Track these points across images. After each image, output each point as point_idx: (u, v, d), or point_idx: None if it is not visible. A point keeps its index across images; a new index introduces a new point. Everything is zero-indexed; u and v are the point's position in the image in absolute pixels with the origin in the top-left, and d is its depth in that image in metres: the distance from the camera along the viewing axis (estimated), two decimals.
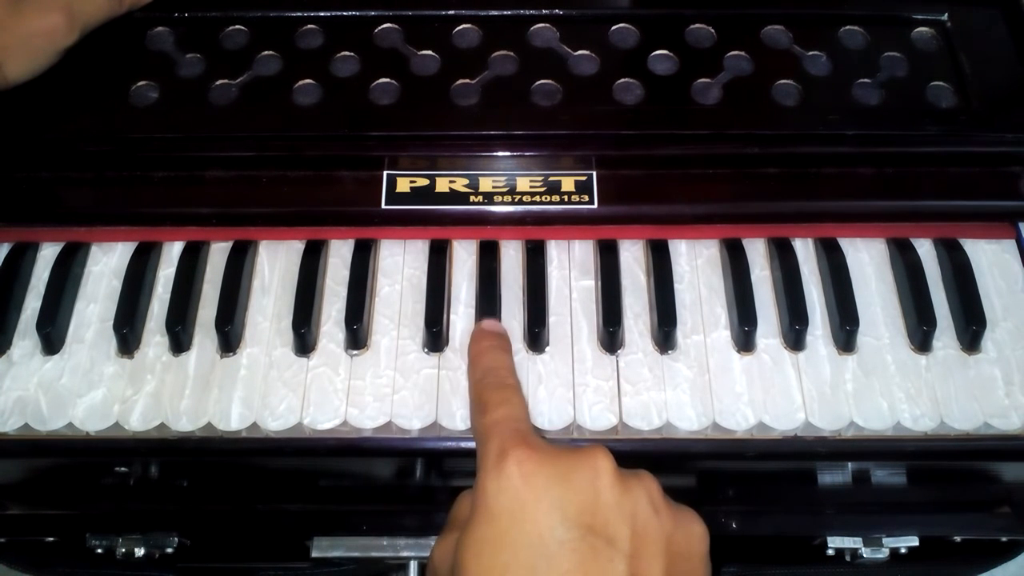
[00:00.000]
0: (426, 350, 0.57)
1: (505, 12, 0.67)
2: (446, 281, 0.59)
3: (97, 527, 0.65)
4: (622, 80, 0.63)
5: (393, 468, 0.61)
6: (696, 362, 0.57)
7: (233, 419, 0.55)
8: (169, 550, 0.64)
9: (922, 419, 0.55)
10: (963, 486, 0.63)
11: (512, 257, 0.61)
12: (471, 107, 0.62)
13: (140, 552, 0.64)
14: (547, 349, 0.57)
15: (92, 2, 0.63)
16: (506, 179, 0.61)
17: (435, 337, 0.57)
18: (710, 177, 0.61)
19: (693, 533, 0.44)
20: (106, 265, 0.61)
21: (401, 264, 0.61)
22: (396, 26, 0.66)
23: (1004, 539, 0.67)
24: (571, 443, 0.55)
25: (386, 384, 0.56)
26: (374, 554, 0.63)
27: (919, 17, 0.67)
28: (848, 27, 0.66)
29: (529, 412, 0.47)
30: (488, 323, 0.56)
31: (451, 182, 0.61)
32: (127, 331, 0.57)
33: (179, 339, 0.57)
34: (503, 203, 0.60)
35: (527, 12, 0.67)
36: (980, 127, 0.61)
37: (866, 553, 0.63)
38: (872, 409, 0.55)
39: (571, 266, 0.61)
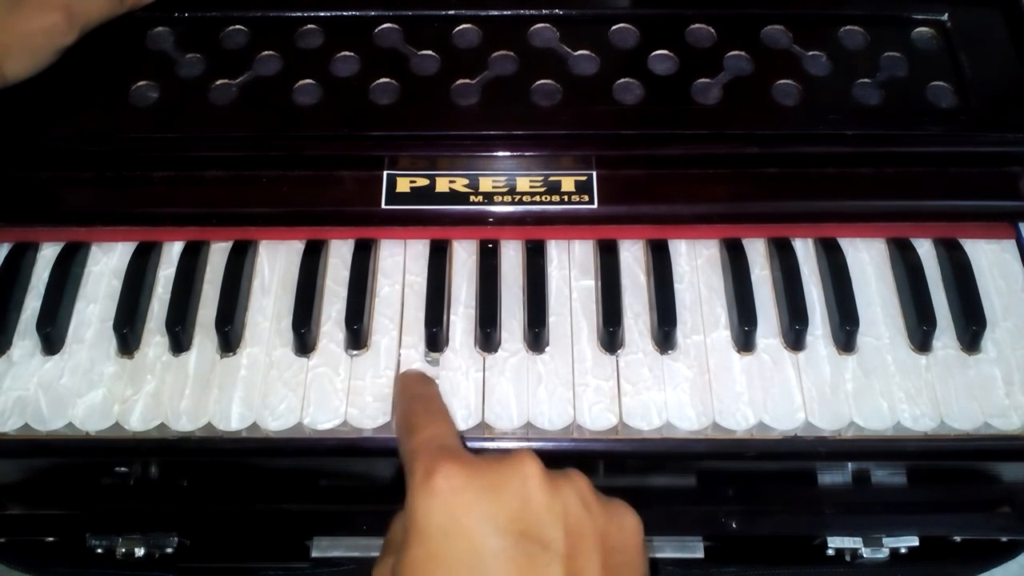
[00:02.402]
0: (426, 350, 0.57)
1: (505, 12, 0.67)
2: (446, 281, 0.59)
3: (97, 527, 0.64)
4: (622, 80, 0.63)
5: (393, 468, 0.61)
6: (696, 362, 0.57)
7: (233, 419, 0.55)
8: (169, 550, 0.64)
9: (922, 419, 0.55)
10: (963, 486, 0.63)
11: (512, 257, 0.61)
12: (471, 107, 0.62)
13: (140, 552, 0.64)
14: (547, 349, 0.57)
15: (92, 1, 0.63)
16: (506, 179, 0.61)
17: (435, 337, 0.57)
18: (710, 177, 0.61)
19: (627, 525, 0.44)
20: (106, 265, 0.61)
21: (401, 264, 0.61)
22: (396, 26, 0.66)
23: (1004, 539, 0.67)
24: (571, 443, 0.55)
25: (386, 384, 0.56)
26: (374, 554, 0.62)
27: (919, 17, 0.67)
28: (848, 27, 0.66)
29: (457, 432, 0.47)
30: (411, 371, 0.56)
31: (451, 182, 0.61)
32: (127, 331, 0.57)
33: (179, 339, 0.57)
34: (503, 203, 0.60)
35: (527, 12, 0.67)
36: (980, 127, 0.61)
37: (866, 553, 0.63)
38: (872, 409, 0.55)
39: (571, 266, 0.61)
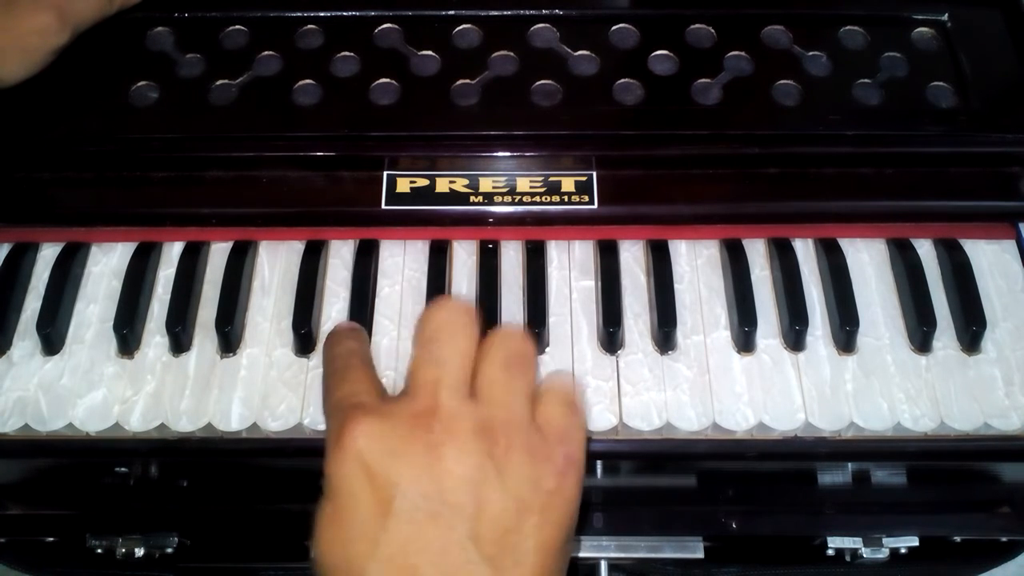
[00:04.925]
0: None
1: (505, 12, 0.67)
2: (446, 281, 0.59)
3: (97, 527, 0.65)
4: (622, 80, 0.63)
5: None
6: (696, 362, 0.57)
7: (233, 419, 0.55)
8: (169, 550, 0.64)
9: (922, 419, 0.55)
10: (963, 486, 0.63)
11: (512, 257, 0.61)
12: (471, 107, 0.62)
13: (140, 552, 0.64)
14: (547, 349, 0.57)
15: (83, 1, 0.63)
16: (506, 179, 0.61)
17: None
18: (710, 177, 0.61)
19: (560, 493, 0.42)
20: (106, 265, 0.61)
21: (401, 264, 0.61)
22: (396, 26, 0.66)
23: (1004, 539, 0.67)
24: None
25: (386, 384, 0.56)
26: None
27: (919, 17, 0.67)
28: (848, 27, 0.66)
29: (376, 384, 0.45)
30: (340, 324, 0.53)
31: (451, 182, 0.61)
32: (127, 331, 0.57)
33: (179, 339, 0.57)
34: (503, 203, 0.60)
35: (527, 12, 0.67)
36: (980, 127, 0.61)
37: (866, 553, 0.64)
38: (872, 409, 0.55)
39: (571, 266, 0.61)
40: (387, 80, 0.63)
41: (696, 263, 0.61)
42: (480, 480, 0.40)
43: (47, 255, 0.61)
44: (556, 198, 0.60)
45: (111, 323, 0.58)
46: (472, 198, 0.60)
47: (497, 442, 0.40)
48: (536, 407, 0.43)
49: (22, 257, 0.61)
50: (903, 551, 0.64)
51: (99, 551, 0.64)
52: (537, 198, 0.60)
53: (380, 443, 0.40)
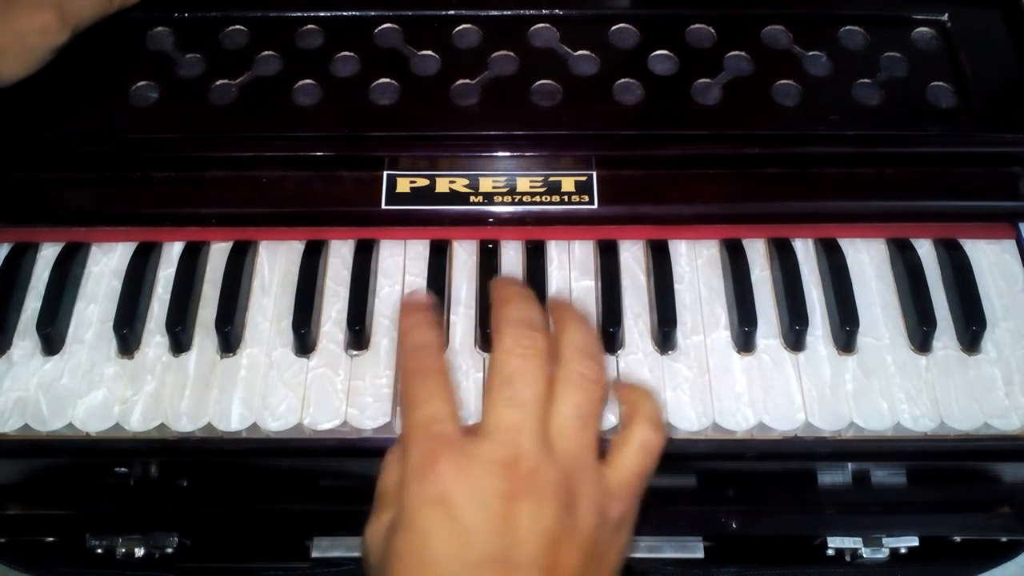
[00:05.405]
0: None
1: (505, 12, 0.67)
2: (446, 281, 0.59)
3: (97, 527, 0.65)
4: (622, 80, 0.63)
5: None
6: (696, 362, 0.57)
7: (233, 419, 0.55)
8: (169, 550, 0.64)
9: (922, 419, 0.55)
10: (963, 486, 0.63)
11: (512, 257, 0.61)
12: (471, 107, 0.62)
13: (140, 552, 0.64)
14: None
15: (83, 0, 0.63)
16: (506, 179, 0.61)
17: None
18: (710, 177, 0.61)
19: (615, 543, 0.44)
20: (106, 265, 0.61)
21: (401, 264, 0.61)
22: (396, 26, 0.66)
23: (1004, 539, 0.67)
24: None
25: (386, 384, 0.56)
26: None
27: (919, 17, 0.67)
28: (848, 27, 0.66)
29: (455, 401, 0.44)
30: (413, 295, 0.53)
31: (451, 182, 0.61)
32: (127, 332, 0.57)
33: (179, 340, 0.57)
34: (503, 203, 0.60)
35: (527, 12, 0.67)
36: (980, 127, 0.61)
37: (866, 553, 0.63)
38: (872, 409, 0.55)
39: (571, 266, 0.61)
40: (387, 80, 0.63)
41: (696, 263, 0.61)
42: (556, 537, 0.41)
43: (47, 255, 0.61)
44: (556, 198, 0.60)
45: (111, 323, 0.58)
46: (472, 198, 0.60)
47: (572, 495, 0.42)
48: (612, 455, 0.45)
49: (22, 257, 0.61)
50: (903, 551, 0.64)
51: (99, 551, 0.64)
52: (537, 198, 0.60)
53: (465, 487, 0.40)
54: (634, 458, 0.45)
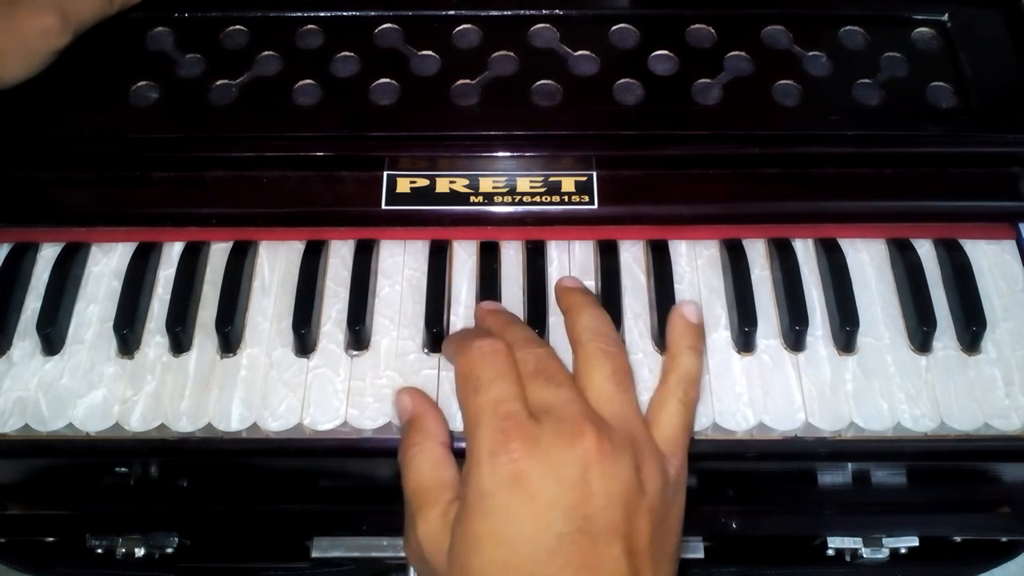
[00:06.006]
0: (426, 351, 0.57)
1: (505, 12, 0.67)
2: (446, 282, 0.59)
3: (97, 527, 0.65)
4: (622, 80, 0.63)
5: (393, 468, 0.61)
6: None
7: (233, 420, 0.55)
8: (169, 550, 0.64)
9: (922, 420, 0.55)
10: (963, 486, 0.63)
11: (512, 257, 0.61)
12: (471, 107, 0.62)
13: (140, 552, 0.64)
14: None
15: (84, 2, 0.63)
16: (506, 179, 0.61)
17: (435, 338, 0.57)
18: (710, 177, 0.61)
19: (676, 502, 0.47)
20: (106, 266, 0.61)
21: (401, 264, 0.61)
22: (396, 26, 0.66)
23: (1004, 539, 0.67)
24: None
25: (386, 385, 0.56)
26: (374, 554, 0.63)
27: (919, 17, 0.67)
28: (848, 27, 0.66)
29: (521, 391, 0.45)
30: (488, 303, 0.56)
31: (451, 182, 0.61)
32: (127, 332, 0.57)
33: (179, 340, 0.57)
34: (503, 203, 0.60)
35: (527, 12, 0.67)
36: (980, 127, 0.61)
37: (866, 553, 0.64)
38: (872, 410, 0.55)
39: (571, 266, 0.61)
40: (387, 80, 0.63)
41: (696, 263, 0.61)
42: (629, 500, 0.42)
43: (47, 255, 0.61)
44: (556, 198, 0.60)
45: (111, 323, 0.58)
46: (472, 198, 0.60)
47: (638, 452, 0.44)
48: (652, 414, 0.48)
49: (22, 257, 0.60)
50: (903, 551, 0.64)
51: (99, 551, 0.64)
52: (537, 198, 0.60)
53: (539, 464, 0.42)
54: (675, 412, 0.48)
